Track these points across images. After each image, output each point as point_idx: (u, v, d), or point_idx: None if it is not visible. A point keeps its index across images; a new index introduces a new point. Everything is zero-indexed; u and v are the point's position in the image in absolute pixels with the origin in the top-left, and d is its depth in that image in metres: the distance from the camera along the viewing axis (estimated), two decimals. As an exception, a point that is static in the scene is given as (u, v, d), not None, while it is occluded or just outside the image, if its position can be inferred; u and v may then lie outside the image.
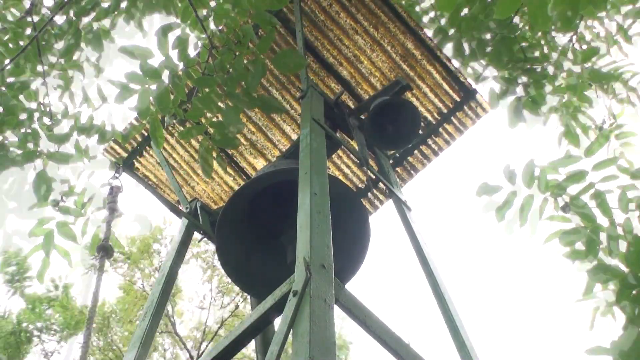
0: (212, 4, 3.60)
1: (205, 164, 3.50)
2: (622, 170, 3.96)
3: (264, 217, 4.66)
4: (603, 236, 3.31)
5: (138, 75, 3.31)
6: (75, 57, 4.02)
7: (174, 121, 3.92)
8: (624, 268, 3.08)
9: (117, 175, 5.27)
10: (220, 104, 3.44)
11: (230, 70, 3.39)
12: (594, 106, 4.54)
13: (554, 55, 4.23)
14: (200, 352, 14.60)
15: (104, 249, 4.03)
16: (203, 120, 3.58)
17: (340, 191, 4.55)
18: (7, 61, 3.45)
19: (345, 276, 4.53)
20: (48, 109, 3.82)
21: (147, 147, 6.07)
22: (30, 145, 3.60)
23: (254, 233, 4.64)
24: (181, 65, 3.42)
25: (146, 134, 5.94)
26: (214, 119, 3.58)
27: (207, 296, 15.76)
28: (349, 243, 4.51)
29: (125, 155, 6.13)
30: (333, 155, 5.89)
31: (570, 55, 4.25)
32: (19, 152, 3.56)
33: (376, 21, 5.58)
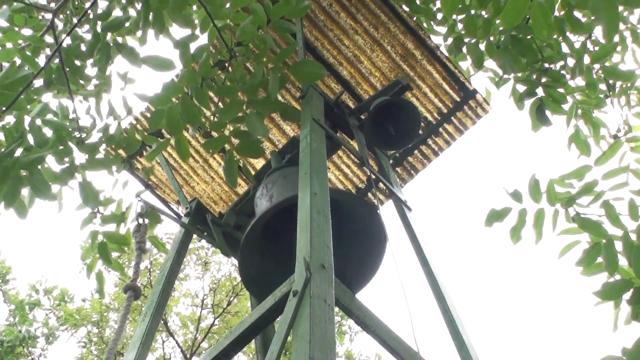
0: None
1: (230, 174, 3.53)
2: (638, 176, 3.93)
3: (279, 233, 4.58)
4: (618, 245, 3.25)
5: (164, 97, 3.36)
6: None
7: (198, 133, 3.93)
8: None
9: (125, 168, 5.32)
10: (242, 113, 3.46)
11: (249, 78, 3.42)
12: (607, 112, 4.52)
13: (570, 61, 4.20)
14: (194, 348, 14.61)
15: (132, 289, 3.89)
16: (227, 132, 3.61)
17: (360, 206, 4.52)
18: (32, 80, 3.47)
19: (357, 288, 4.45)
20: (77, 123, 3.85)
21: (147, 147, 6.07)
22: (67, 160, 3.64)
23: (269, 247, 4.56)
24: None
25: (146, 133, 5.94)
26: (239, 129, 3.61)
27: (199, 293, 15.80)
28: (364, 255, 4.45)
29: (125, 155, 6.13)
30: (333, 155, 5.89)
31: (586, 58, 4.21)
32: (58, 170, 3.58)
33: (376, 21, 5.58)
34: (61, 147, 3.57)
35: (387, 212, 6.09)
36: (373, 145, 5.17)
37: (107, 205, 3.94)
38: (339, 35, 5.67)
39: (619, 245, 3.21)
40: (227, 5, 3.45)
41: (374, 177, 4.94)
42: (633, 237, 3.15)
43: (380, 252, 4.37)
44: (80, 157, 3.75)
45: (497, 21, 3.85)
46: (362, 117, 5.31)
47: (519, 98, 4.17)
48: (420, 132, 5.44)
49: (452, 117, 5.91)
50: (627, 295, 3.36)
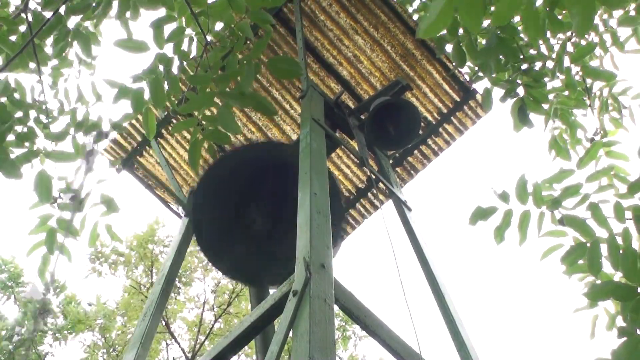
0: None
1: (193, 156, 3.45)
2: (620, 179, 3.94)
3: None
4: (603, 247, 3.26)
5: (136, 76, 3.31)
6: (67, 54, 4.02)
7: (172, 116, 3.90)
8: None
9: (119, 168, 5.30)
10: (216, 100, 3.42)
11: (224, 67, 3.38)
12: (586, 114, 4.54)
13: (549, 62, 4.21)
14: (195, 350, 14.62)
15: (42, 309, 3.51)
16: (195, 113, 3.55)
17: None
18: (11, 61, 3.44)
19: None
20: (44, 107, 3.80)
21: (147, 147, 6.08)
22: (27, 144, 3.59)
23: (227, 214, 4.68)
24: (176, 59, 3.42)
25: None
26: (208, 113, 3.57)
27: (200, 295, 15.82)
28: None
29: (125, 154, 6.14)
30: (333, 156, 5.89)
31: (566, 59, 4.22)
32: (17, 152, 3.54)
33: (376, 21, 5.58)
34: (24, 130, 3.53)
35: (387, 212, 6.09)
36: (373, 145, 5.17)
37: (66, 193, 3.91)
38: (339, 35, 5.67)
39: (603, 249, 3.21)
40: None
41: (374, 177, 4.94)
42: (619, 240, 3.15)
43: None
44: (42, 142, 3.71)
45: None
46: (362, 117, 5.31)
47: (490, 96, 4.16)
48: (420, 132, 5.44)
49: (452, 117, 5.91)
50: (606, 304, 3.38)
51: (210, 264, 5.50)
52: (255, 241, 4.97)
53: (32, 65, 3.69)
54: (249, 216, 4.80)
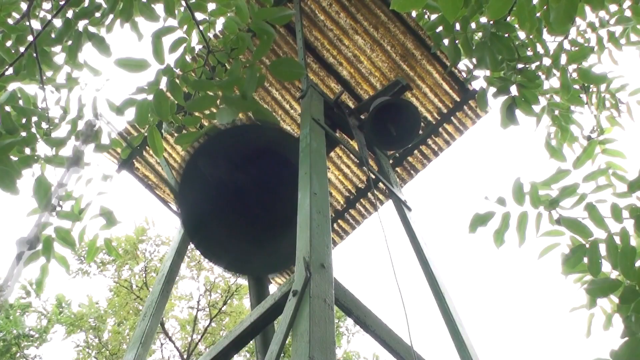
0: (211, 5, 3.60)
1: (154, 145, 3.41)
2: (619, 178, 3.95)
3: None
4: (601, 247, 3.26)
5: (140, 88, 3.34)
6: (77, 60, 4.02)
7: (172, 129, 3.90)
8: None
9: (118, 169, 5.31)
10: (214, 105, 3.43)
11: (227, 75, 3.40)
12: (583, 112, 4.55)
13: (546, 60, 4.22)
14: (190, 350, 14.61)
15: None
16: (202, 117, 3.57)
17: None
18: (7, 68, 3.45)
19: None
20: (46, 114, 3.81)
21: (147, 147, 6.07)
22: (27, 150, 3.59)
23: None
24: (177, 70, 3.43)
25: (146, 134, 5.94)
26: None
27: (194, 294, 15.83)
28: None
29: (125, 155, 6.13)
30: (333, 156, 5.89)
31: (562, 58, 4.23)
32: (16, 158, 3.53)
33: (376, 21, 5.58)
34: (24, 134, 3.53)
35: (387, 212, 6.09)
36: (373, 145, 5.16)
37: (66, 200, 3.90)
38: (339, 35, 5.67)
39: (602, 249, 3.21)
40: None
41: (373, 177, 4.94)
42: (617, 239, 3.15)
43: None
44: (42, 148, 3.71)
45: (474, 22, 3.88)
46: (362, 117, 5.31)
47: (485, 95, 4.17)
48: (420, 132, 5.43)
49: (452, 117, 5.91)
50: (603, 302, 3.38)
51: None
52: (249, 230, 4.87)
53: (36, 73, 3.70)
54: (239, 205, 4.67)
